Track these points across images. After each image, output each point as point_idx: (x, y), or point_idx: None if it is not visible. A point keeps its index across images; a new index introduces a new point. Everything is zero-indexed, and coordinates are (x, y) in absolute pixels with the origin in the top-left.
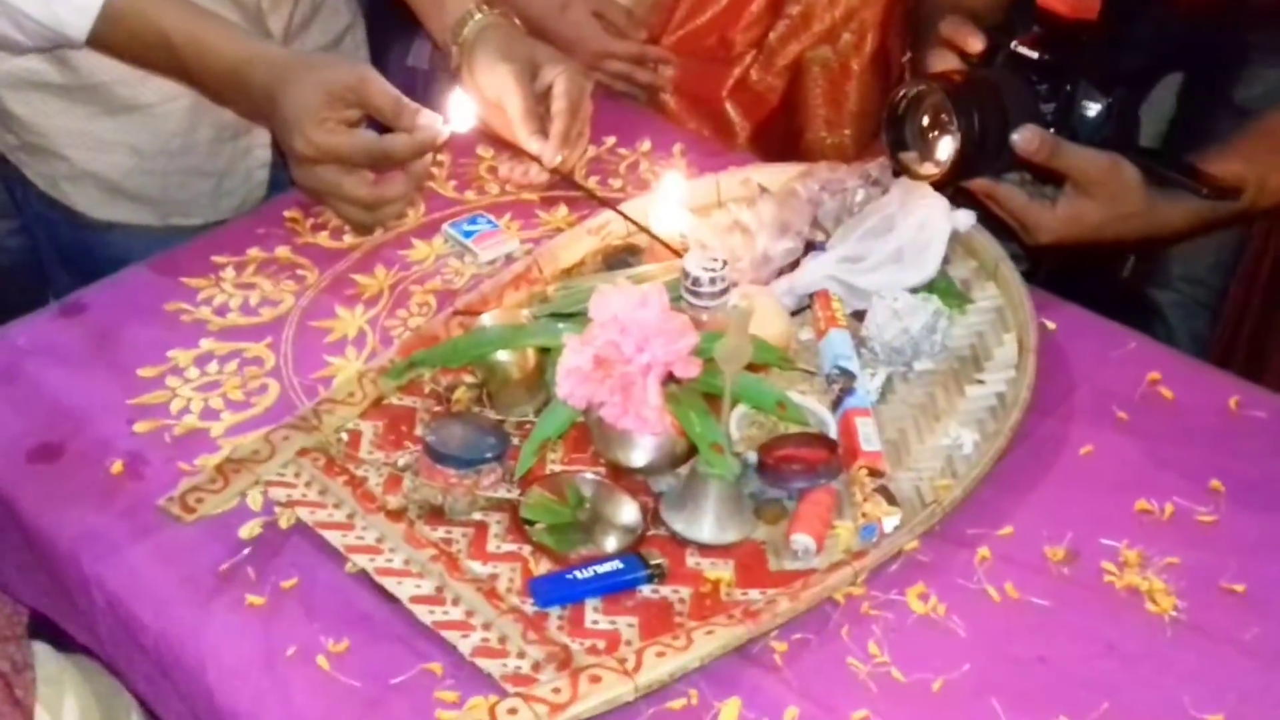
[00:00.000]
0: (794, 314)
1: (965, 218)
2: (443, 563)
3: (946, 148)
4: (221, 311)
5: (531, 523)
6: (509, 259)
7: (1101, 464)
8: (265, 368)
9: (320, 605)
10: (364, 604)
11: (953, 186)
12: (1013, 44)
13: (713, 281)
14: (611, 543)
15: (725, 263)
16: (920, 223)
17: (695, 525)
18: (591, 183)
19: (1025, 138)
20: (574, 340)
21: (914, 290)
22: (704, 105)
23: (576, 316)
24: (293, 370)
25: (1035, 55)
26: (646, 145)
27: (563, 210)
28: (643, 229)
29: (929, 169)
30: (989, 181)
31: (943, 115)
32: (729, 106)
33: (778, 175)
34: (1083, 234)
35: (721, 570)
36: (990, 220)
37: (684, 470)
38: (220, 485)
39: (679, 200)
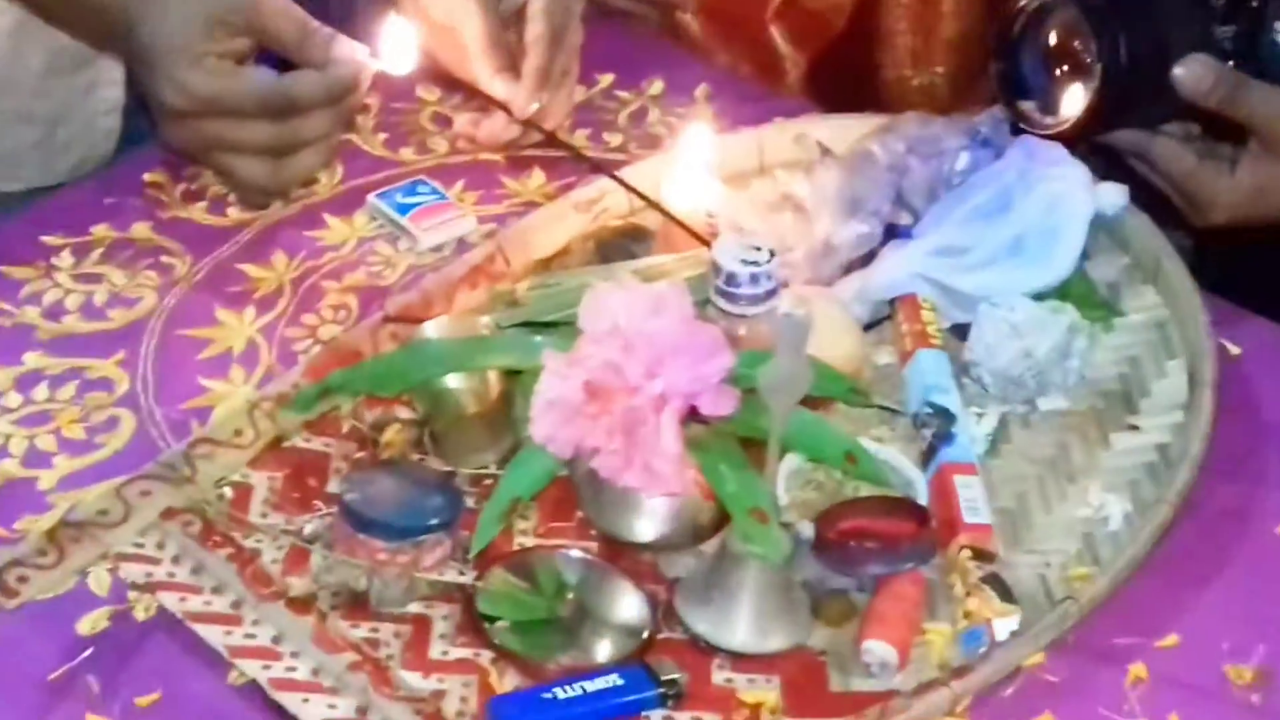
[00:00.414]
0: (868, 327)
1: (1114, 194)
2: (367, 673)
3: (1078, 89)
4: (55, 314)
5: (492, 619)
6: (461, 244)
7: None
8: (115, 393)
9: None
10: None
11: (1088, 143)
12: None
13: (754, 280)
14: (606, 649)
15: (772, 253)
16: (1049, 201)
17: (726, 626)
18: (579, 138)
19: (1194, 73)
20: (556, 360)
21: (1040, 297)
22: (741, 29)
23: (558, 327)
24: (154, 397)
25: None
26: (658, 87)
27: (538, 177)
28: (653, 205)
29: (1055, 119)
30: (1141, 136)
31: (1075, 42)
32: (775, 32)
33: (845, 130)
34: (1275, 210)
35: (763, 690)
36: (1143, 194)
37: (710, 548)
38: (53, 560)
39: (704, 164)
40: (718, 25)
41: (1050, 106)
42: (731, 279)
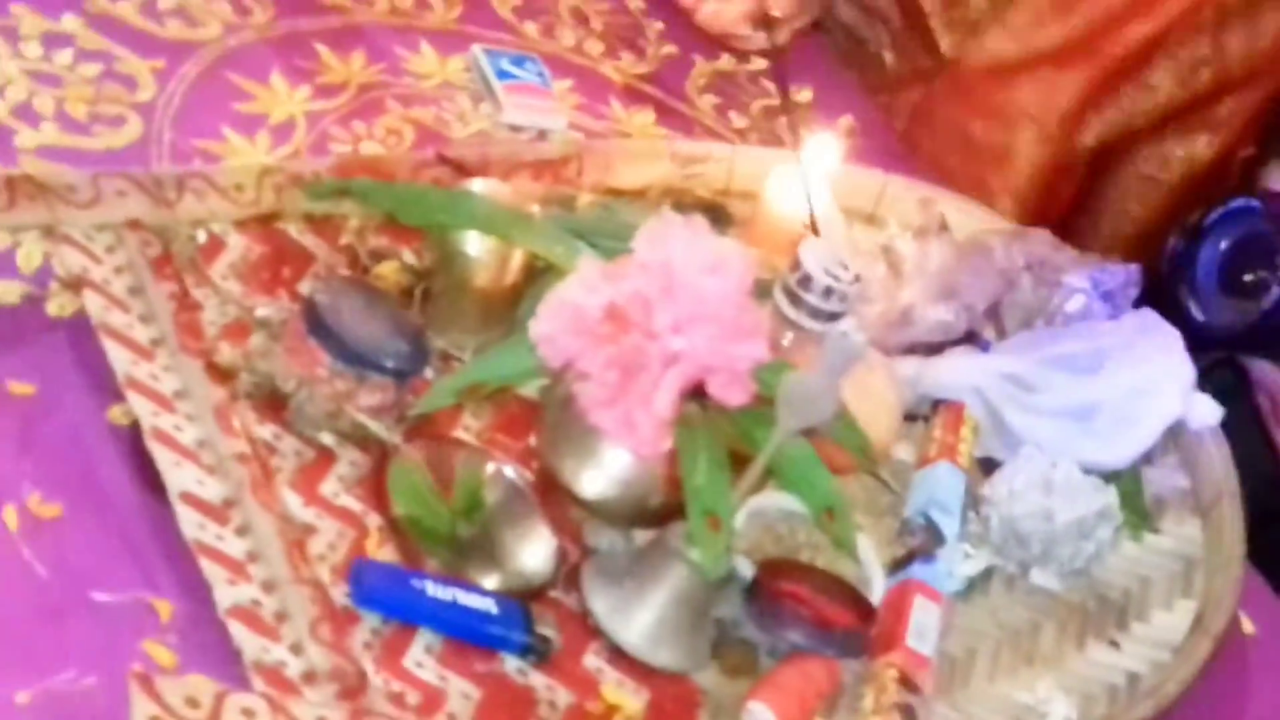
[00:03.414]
0: (906, 417)
1: (1208, 411)
2: (251, 470)
3: (1250, 299)
4: None
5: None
6: (541, 136)
7: None
8: (136, 95)
9: (49, 439)
10: (109, 471)
11: (1229, 355)
12: None
13: (828, 294)
14: (492, 580)
15: (858, 278)
16: (1142, 384)
17: (623, 616)
18: (705, 104)
19: None
20: (592, 268)
21: (1088, 471)
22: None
23: (602, 249)
24: (171, 119)
25: None
26: (807, 95)
27: (648, 115)
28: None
29: (1209, 316)
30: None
31: (1270, 255)
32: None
33: (973, 218)
34: None
35: (628, 697)
36: (1246, 430)
37: (643, 534)
38: (3, 205)
39: (824, 176)
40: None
41: (1207, 305)
42: (806, 282)
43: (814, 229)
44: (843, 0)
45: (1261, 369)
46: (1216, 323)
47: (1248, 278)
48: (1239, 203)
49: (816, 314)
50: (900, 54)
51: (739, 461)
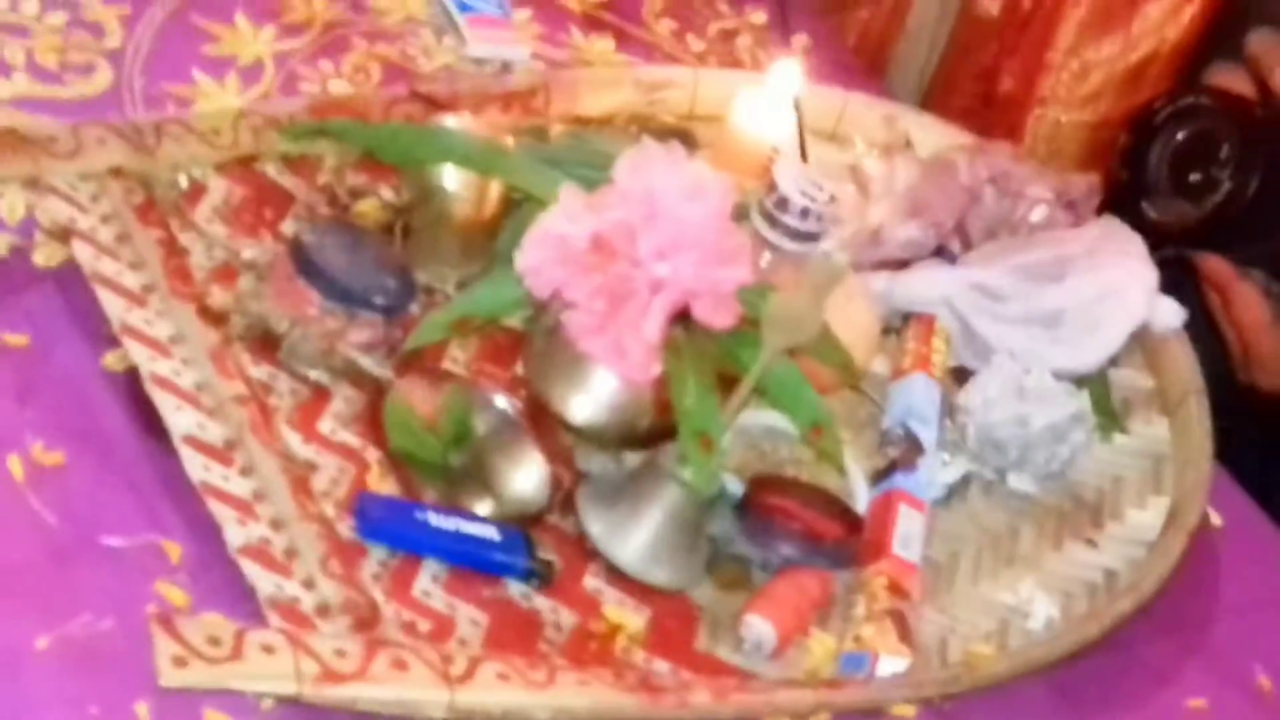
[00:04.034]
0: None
1: (1171, 313)
2: (250, 412)
3: (1199, 196)
4: None
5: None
6: (505, 68)
7: None
8: (103, 44)
9: (47, 388)
10: (110, 415)
11: (1177, 252)
12: None
13: (805, 214)
14: (488, 507)
15: (834, 198)
16: (1105, 288)
17: (619, 537)
18: (663, 27)
19: None
20: (574, 197)
21: (1057, 376)
22: None
23: (577, 178)
24: (141, 65)
25: None
26: (760, 18)
27: (608, 42)
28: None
29: (1161, 213)
30: (1229, 269)
31: (1217, 151)
32: None
33: (936, 134)
34: None
35: (630, 616)
36: (1200, 324)
37: (634, 458)
38: None
39: (787, 98)
40: None
41: (1158, 203)
42: (783, 204)
43: (802, 153)
44: None
45: (1207, 262)
46: (1168, 219)
47: (1194, 177)
48: (1186, 100)
49: (794, 235)
50: None
51: (726, 382)
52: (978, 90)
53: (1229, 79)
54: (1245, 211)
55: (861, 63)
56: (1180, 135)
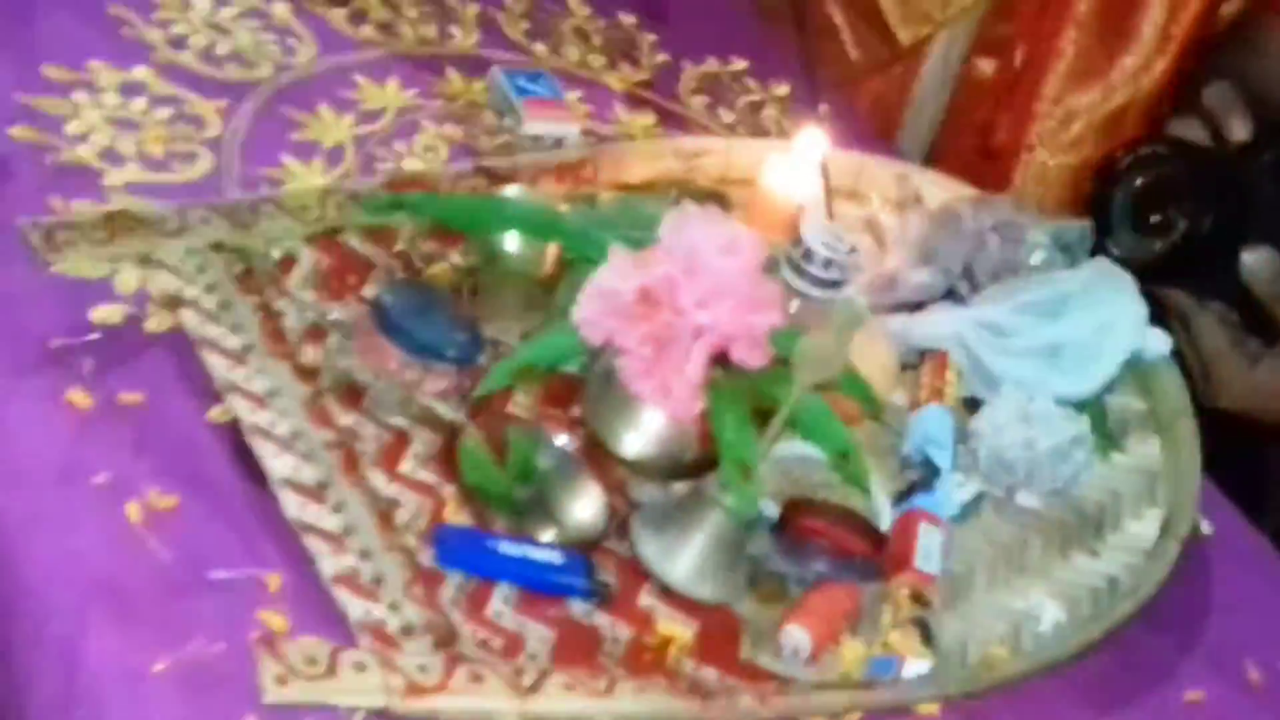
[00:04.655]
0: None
1: (1160, 342)
2: (340, 456)
3: (1159, 235)
4: (177, 44)
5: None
6: (558, 143)
7: None
8: (204, 133)
9: (160, 441)
10: (216, 464)
11: (1143, 287)
12: None
13: (828, 264)
14: (550, 535)
15: (854, 249)
16: (1101, 323)
17: (670, 559)
18: (697, 103)
19: (1259, 261)
20: (623, 257)
21: (1059, 402)
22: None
23: (623, 239)
24: (237, 150)
25: None
26: (783, 90)
27: (649, 118)
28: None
29: (1124, 251)
30: (1189, 302)
31: (1173, 194)
32: None
33: (943, 189)
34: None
35: (680, 628)
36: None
37: (681, 487)
38: (104, 238)
39: (813, 161)
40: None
41: (1122, 242)
42: (808, 255)
43: (828, 210)
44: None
45: (1173, 297)
46: (1130, 257)
47: (1154, 218)
48: (1146, 149)
49: (819, 283)
50: (863, 48)
51: (762, 417)
52: (976, 144)
53: (1187, 129)
54: (1201, 248)
55: (874, 128)
56: (1140, 180)
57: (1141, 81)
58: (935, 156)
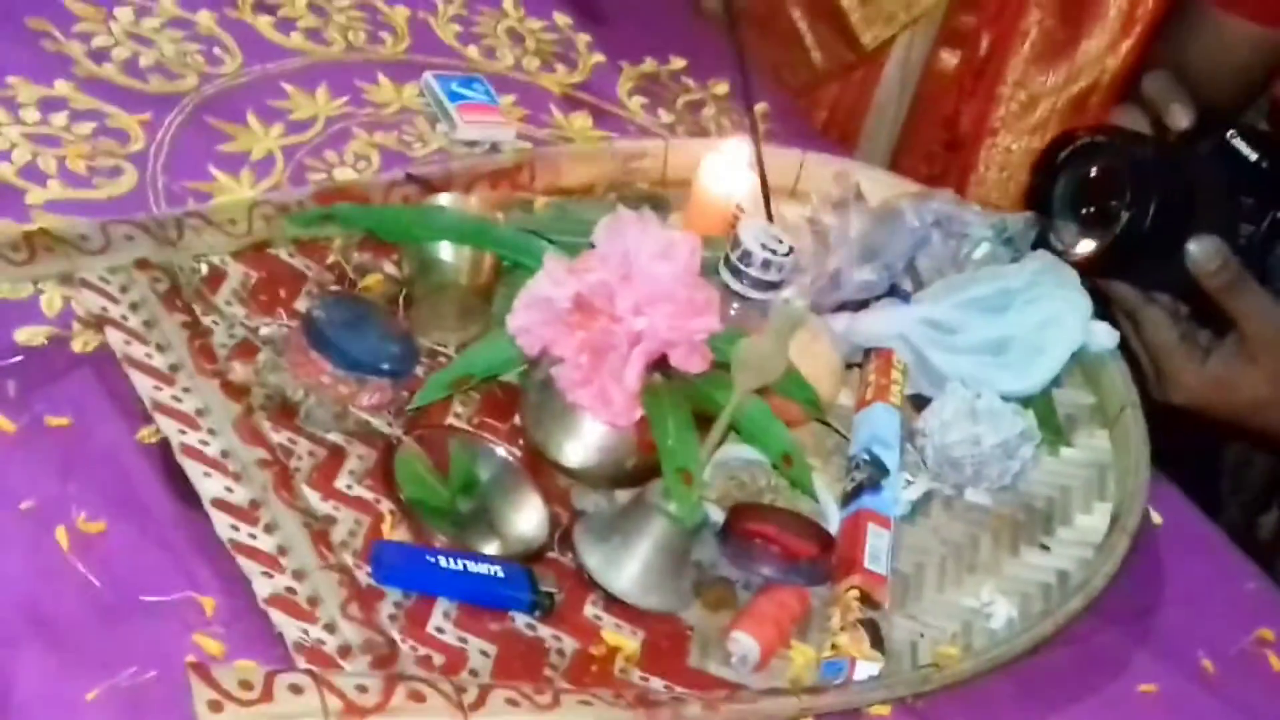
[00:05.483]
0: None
1: (1106, 336)
2: (272, 474)
3: (1098, 230)
4: (99, 58)
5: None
6: (494, 148)
7: (1161, 713)
8: (128, 147)
9: (88, 465)
10: (145, 487)
11: (1088, 281)
12: (1228, 134)
13: (766, 265)
14: (494, 548)
15: (791, 249)
16: (1046, 317)
17: (614, 568)
18: (635, 104)
19: (1205, 251)
20: (557, 263)
21: (1005, 398)
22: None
23: (561, 245)
24: (163, 165)
25: (1253, 157)
26: (723, 89)
27: (586, 119)
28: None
29: (1066, 247)
30: (1136, 295)
31: (1114, 185)
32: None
33: (883, 185)
34: (1231, 409)
35: (626, 638)
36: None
37: (624, 495)
38: (23, 258)
39: (747, 160)
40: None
41: (1066, 236)
42: (746, 257)
43: (768, 211)
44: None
45: (1119, 290)
46: (1072, 250)
47: (1089, 209)
48: (1085, 140)
49: (758, 285)
50: (825, 50)
51: (703, 422)
52: (941, 137)
53: (1127, 118)
54: (1145, 239)
55: (834, 133)
56: (1081, 172)
57: (1107, 63)
58: (899, 152)
